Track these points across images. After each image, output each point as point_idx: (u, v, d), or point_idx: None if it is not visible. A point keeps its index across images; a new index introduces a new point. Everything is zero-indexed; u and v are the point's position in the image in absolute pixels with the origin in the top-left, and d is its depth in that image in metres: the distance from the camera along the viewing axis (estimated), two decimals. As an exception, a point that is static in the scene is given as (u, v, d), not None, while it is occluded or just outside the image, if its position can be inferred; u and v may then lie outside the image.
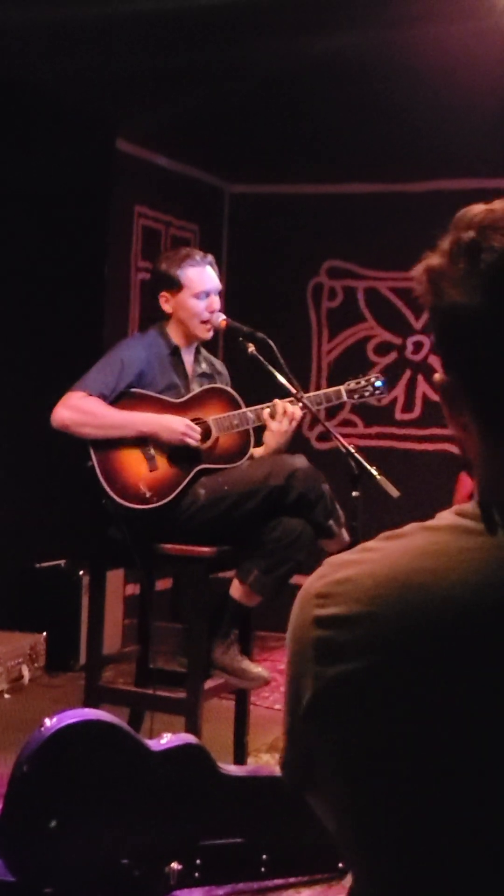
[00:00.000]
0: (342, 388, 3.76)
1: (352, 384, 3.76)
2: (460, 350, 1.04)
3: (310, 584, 1.08)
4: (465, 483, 6.39)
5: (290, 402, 3.66)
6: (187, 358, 3.82)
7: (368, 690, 1.01)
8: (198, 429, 3.63)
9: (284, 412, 3.64)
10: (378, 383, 3.77)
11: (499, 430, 1.04)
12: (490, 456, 1.05)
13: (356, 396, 3.76)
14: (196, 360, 3.86)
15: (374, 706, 1.01)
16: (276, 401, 3.66)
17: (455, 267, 1.03)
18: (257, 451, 3.78)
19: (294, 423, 3.68)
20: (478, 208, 1.06)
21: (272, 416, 3.65)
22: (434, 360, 7.00)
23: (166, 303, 3.76)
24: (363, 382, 3.76)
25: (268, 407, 3.67)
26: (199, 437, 3.63)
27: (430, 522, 1.05)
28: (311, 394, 3.76)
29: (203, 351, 3.91)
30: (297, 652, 1.07)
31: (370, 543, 1.07)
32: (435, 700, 0.98)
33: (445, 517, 1.05)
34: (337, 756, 1.03)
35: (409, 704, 0.99)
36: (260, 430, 3.74)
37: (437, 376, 1.08)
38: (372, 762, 1.01)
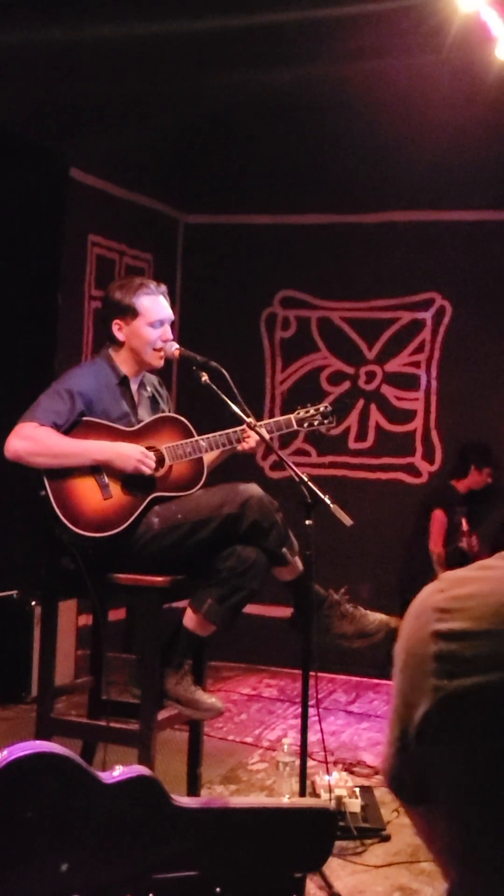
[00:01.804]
0: (292, 416, 3.78)
1: (301, 413, 3.78)
2: None
3: (426, 597, 1.07)
4: (439, 519, 6.39)
5: (243, 430, 3.66)
6: (134, 386, 3.81)
7: (491, 705, 1.01)
8: (152, 456, 3.62)
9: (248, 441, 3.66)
10: (327, 412, 3.79)
11: None
12: None
13: (306, 425, 3.77)
14: (142, 385, 3.85)
15: (495, 721, 1.01)
16: (247, 428, 3.64)
17: None
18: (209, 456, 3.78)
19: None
20: None
21: (247, 444, 3.66)
22: (387, 390, 7.05)
23: (119, 331, 3.75)
24: (312, 411, 3.78)
25: (222, 434, 3.67)
26: (153, 464, 3.61)
27: None
28: (263, 422, 3.76)
29: (146, 375, 3.90)
30: (412, 665, 1.06)
31: (489, 561, 1.07)
32: None
33: None
34: (452, 768, 1.03)
35: None
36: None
37: None
38: (490, 774, 1.01)
